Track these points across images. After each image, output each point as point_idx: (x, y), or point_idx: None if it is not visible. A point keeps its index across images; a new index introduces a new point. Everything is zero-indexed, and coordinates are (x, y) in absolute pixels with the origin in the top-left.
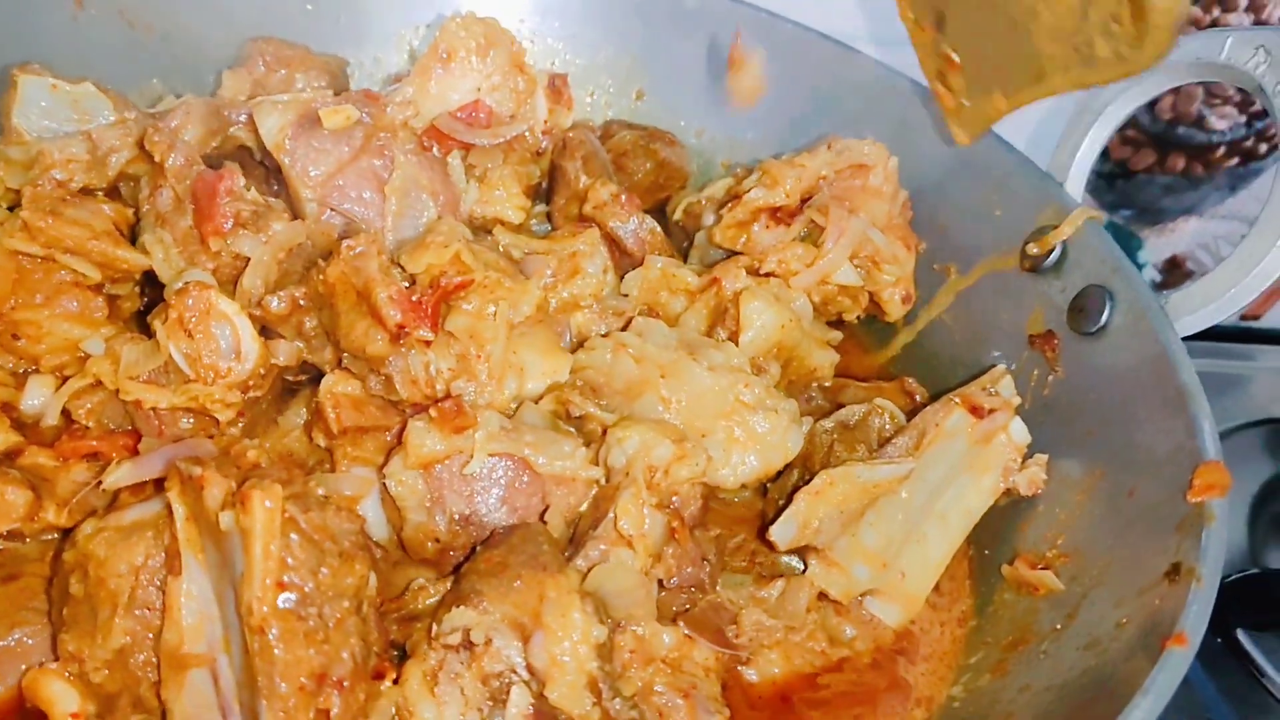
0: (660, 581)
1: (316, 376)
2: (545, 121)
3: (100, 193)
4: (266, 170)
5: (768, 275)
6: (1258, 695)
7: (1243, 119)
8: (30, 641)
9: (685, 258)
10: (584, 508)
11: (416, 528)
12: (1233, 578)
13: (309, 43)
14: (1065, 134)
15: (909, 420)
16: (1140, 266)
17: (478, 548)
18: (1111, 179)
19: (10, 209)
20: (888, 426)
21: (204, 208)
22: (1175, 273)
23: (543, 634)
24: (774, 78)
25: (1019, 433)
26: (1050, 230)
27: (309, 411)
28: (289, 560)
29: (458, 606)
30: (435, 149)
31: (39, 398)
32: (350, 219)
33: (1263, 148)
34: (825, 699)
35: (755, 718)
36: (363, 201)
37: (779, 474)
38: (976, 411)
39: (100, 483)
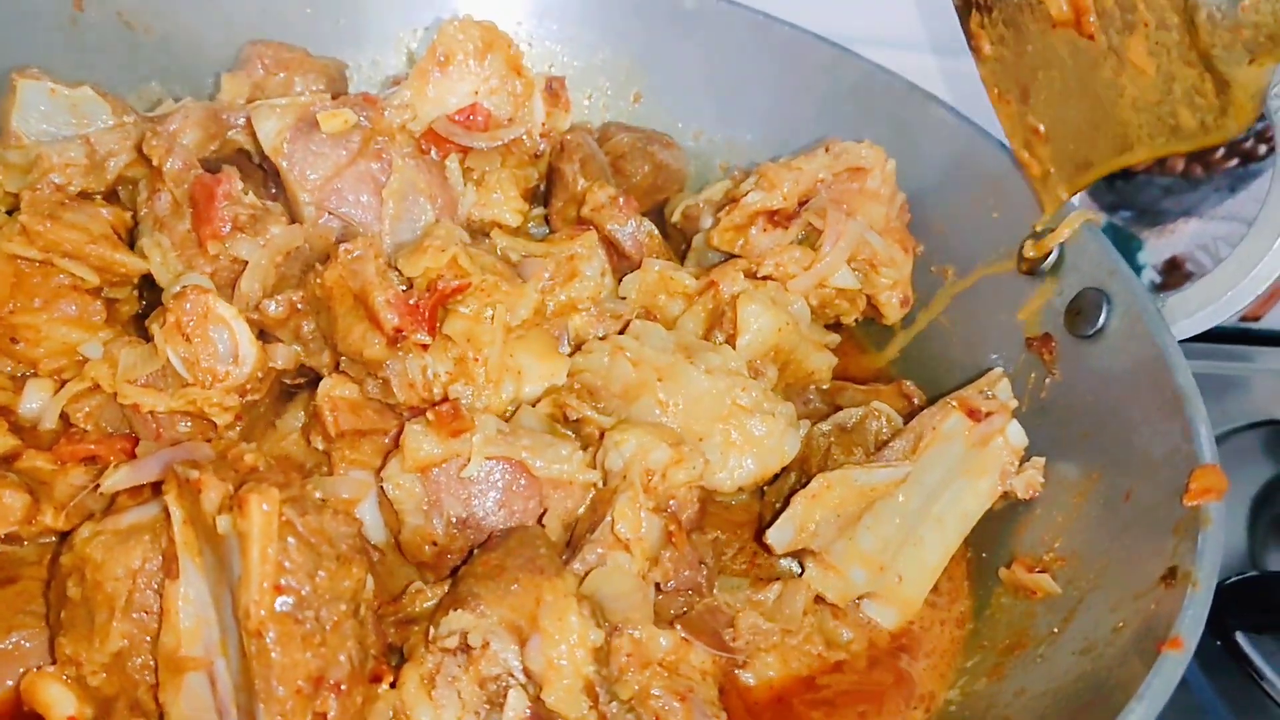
0: (657, 585)
1: (314, 380)
2: (543, 124)
3: (98, 196)
4: (265, 174)
5: (765, 278)
6: (1256, 698)
7: None
8: (28, 645)
9: (683, 260)
10: (581, 511)
11: (414, 531)
12: (1231, 580)
13: (308, 45)
14: None
15: (906, 423)
16: (1140, 268)
17: (475, 551)
18: (1111, 180)
19: (9, 213)
20: (885, 429)
21: (202, 211)
22: (1175, 274)
23: (540, 637)
24: (771, 80)
25: (1016, 436)
26: (1048, 233)
27: (306, 415)
28: (286, 564)
29: (455, 610)
30: (433, 152)
31: (37, 401)
32: (348, 222)
33: (1262, 149)
34: (828, 698)
35: None
36: (360, 205)
37: (776, 477)
38: (974, 414)
39: (98, 486)
